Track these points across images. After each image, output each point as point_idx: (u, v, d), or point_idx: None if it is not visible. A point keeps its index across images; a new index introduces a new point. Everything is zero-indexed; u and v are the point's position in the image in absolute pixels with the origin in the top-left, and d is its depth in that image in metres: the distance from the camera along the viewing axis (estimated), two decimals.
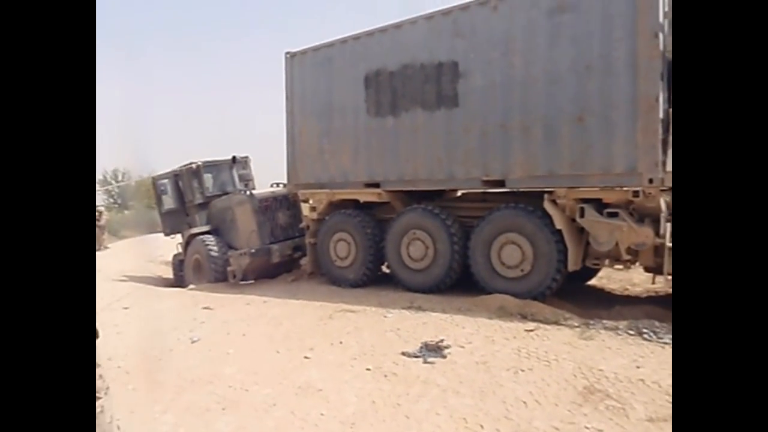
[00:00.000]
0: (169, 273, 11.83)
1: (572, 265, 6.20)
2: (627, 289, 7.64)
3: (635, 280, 7.73)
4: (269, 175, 11.89)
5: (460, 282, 7.22)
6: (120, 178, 29.79)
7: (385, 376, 4.48)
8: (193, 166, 10.69)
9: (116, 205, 27.11)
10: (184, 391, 4.43)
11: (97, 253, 16.08)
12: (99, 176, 30.26)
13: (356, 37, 7.89)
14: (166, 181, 11.19)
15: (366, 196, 8.04)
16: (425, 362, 4.69)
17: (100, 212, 18.21)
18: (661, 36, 5.32)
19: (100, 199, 26.74)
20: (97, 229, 17.29)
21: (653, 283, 6.85)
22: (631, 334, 5.06)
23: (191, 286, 9.63)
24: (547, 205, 6.22)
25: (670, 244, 5.36)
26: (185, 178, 10.79)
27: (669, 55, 5.31)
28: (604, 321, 5.51)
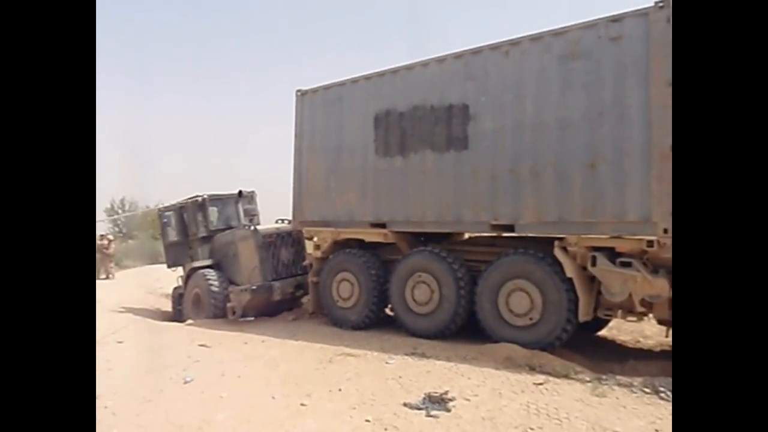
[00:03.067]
0: (168, 305, 11.61)
1: (583, 315, 5.96)
2: (639, 342, 7.34)
3: (647, 332, 7.45)
4: (275, 210, 11.76)
5: (466, 328, 6.97)
6: (127, 207, 29.88)
7: (385, 429, 4.22)
8: (199, 199, 10.64)
9: (121, 234, 27.07)
10: None
11: (102, 282, 15.93)
12: (107, 205, 30.45)
13: (368, 77, 7.93)
14: (170, 213, 11.13)
15: (371, 236, 7.90)
16: (428, 416, 4.43)
17: (110, 240, 18.12)
18: None
19: (107, 228, 26.76)
20: (105, 258, 17.18)
21: (666, 336, 6.57)
22: (647, 392, 4.79)
23: (189, 321, 9.40)
24: (558, 252, 6.04)
25: None
26: (190, 211, 10.73)
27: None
28: (618, 376, 5.25)
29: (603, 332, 7.68)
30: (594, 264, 5.83)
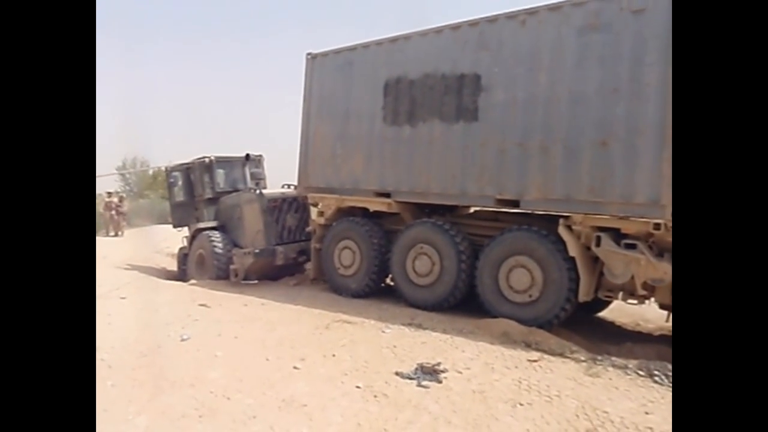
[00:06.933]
0: (173, 265, 11.72)
1: (583, 295, 5.90)
2: (639, 325, 7.28)
3: (648, 315, 7.37)
4: (281, 176, 11.71)
5: (465, 302, 6.95)
6: (138, 167, 29.98)
7: (375, 396, 4.24)
8: (206, 160, 10.58)
9: (132, 193, 27.26)
10: (163, 393, 4.23)
11: (111, 239, 16.11)
12: (119, 163, 30.56)
13: (379, 43, 7.73)
14: (178, 173, 11.10)
15: (375, 205, 7.84)
16: (419, 385, 4.44)
17: (122, 198, 18.28)
18: None
19: (118, 186, 26.95)
20: (118, 216, 17.34)
21: (667, 321, 6.49)
22: (642, 375, 4.75)
23: (192, 281, 9.48)
24: (562, 231, 5.94)
25: None
26: (197, 171, 10.68)
27: None
28: (613, 357, 5.21)
29: (603, 313, 7.63)
30: (598, 244, 5.73)
